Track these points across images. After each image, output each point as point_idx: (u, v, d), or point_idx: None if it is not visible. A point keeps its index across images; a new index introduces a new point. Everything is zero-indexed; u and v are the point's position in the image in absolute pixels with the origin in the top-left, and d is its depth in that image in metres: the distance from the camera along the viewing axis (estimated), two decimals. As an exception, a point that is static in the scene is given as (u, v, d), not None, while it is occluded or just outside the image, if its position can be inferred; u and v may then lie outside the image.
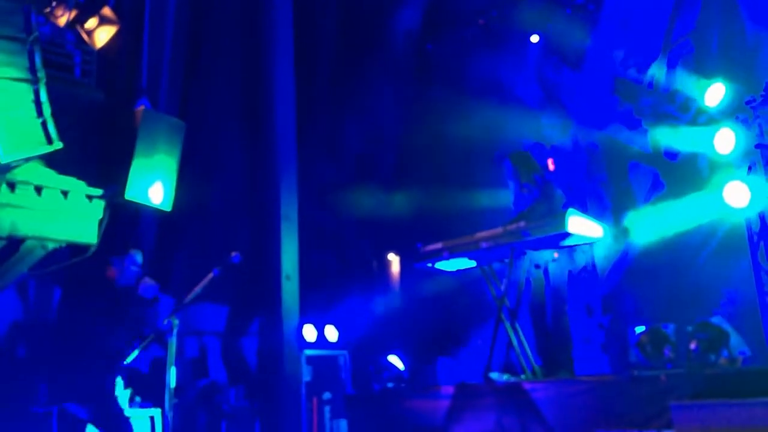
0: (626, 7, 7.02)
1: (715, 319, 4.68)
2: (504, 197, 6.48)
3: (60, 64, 6.19)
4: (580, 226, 5.29)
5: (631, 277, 6.74)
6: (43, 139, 5.29)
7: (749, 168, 5.86)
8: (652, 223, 6.55)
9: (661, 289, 6.28)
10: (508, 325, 5.55)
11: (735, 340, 4.88)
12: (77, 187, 6.03)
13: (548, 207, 5.41)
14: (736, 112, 5.89)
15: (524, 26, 7.62)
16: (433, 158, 7.94)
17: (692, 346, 4.40)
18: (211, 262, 6.23)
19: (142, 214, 7.15)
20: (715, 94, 5.95)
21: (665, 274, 6.35)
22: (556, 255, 5.57)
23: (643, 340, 4.85)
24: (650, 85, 6.64)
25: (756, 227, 5.78)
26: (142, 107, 6.23)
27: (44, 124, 5.27)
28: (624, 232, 6.63)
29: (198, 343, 8.28)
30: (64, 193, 5.97)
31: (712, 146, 5.87)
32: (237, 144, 7.69)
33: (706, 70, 6.18)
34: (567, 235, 5.26)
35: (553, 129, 7.32)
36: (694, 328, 4.45)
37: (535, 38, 7.76)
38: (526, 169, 5.72)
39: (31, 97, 5.23)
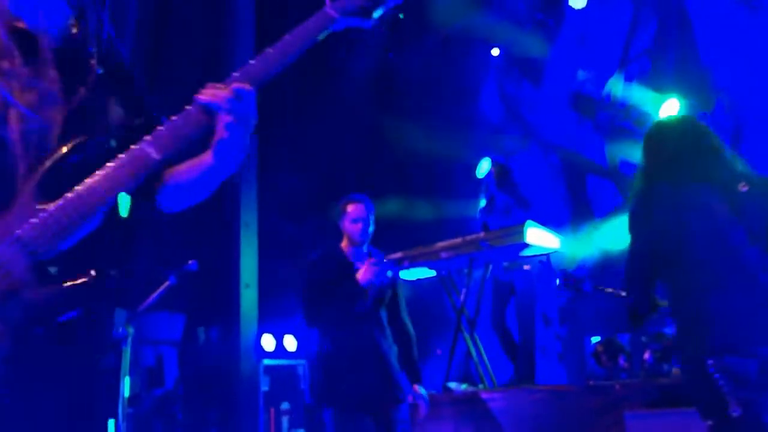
0: (584, 24, 7.16)
1: (669, 330, 4.78)
2: (465, 208, 6.54)
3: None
4: (539, 237, 5.38)
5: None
6: None
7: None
8: (609, 235, 6.66)
9: (618, 299, 6.38)
10: (467, 335, 5.59)
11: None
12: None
13: (524, 216, 5.52)
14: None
15: (486, 39, 7.71)
16: (396, 169, 7.97)
17: (646, 356, 4.48)
18: (168, 269, 6.14)
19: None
20: (669, 109, 6.11)
21: (622, 285, 6.45)
22: (526, 267, 5.66)
23: (598, 350, 4.92)
24: (608, 99, 6.77)
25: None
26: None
27: None
28: (582, 244, 6.73)
29: (154, 352, 8.13)
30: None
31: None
32: (197, 149, 7.61)
33: (661, 86, 6.33)
34: (525, 246, 5.34)
35: (514, 142, 7.41)
36: (648, 338, 4.53)
37: (495, 51, 7.87)
38: (505, 178, 5.84)
39: None
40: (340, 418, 3.51)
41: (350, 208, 3.84)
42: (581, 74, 7.24)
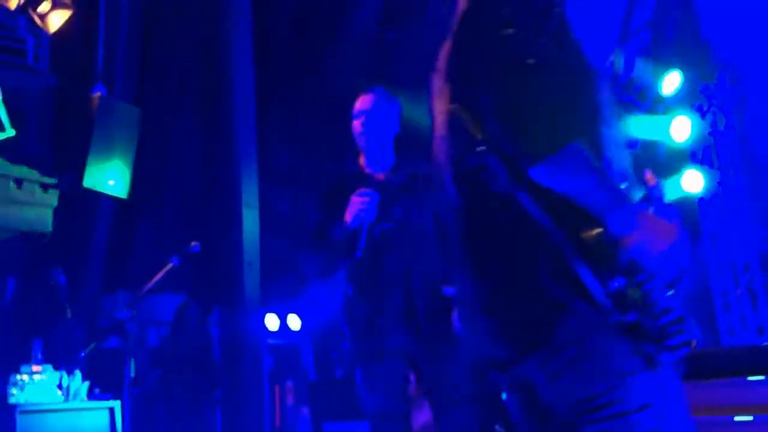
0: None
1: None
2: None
3: (12, 49, 6.00)
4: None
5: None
6: (-6, 126, 5.14)
7: (703, 155, 6.02)
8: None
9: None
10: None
11: (690, 323, 5.00)
12: (31, 175, 5.89)
13: None
14: (691, 100, 6.03)
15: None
16: (397, 147, 7.92)
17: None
18: (170, 250, 6.15)
19: (97, 202, 7.01)
20: (671, 82, 6.07)
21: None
22: None
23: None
24: (609, 74, 6.72)
25: (708, 212, 5.95)
26: (98, 94, 6.11)
27: (-5, 111, 5.13)
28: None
29: (157, 333, 8.17)
30: (18, 182, 5.82)
31: (670, 134, 5.99)
32: (195, 130, 7.58)
33: (662, 60, 6.28)
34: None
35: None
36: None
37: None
38: None
39: (-19, 83, 5.08)
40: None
41: (357, 103, 3.15)
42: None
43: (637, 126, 6.31)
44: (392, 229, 2.93)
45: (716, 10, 5.99)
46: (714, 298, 5.73)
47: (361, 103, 3.11)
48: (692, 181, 5.90)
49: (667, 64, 6.17)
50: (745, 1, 5.81)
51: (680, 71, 6.02)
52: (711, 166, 6.02)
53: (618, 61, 6.71)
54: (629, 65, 6.43)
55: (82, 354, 5.21)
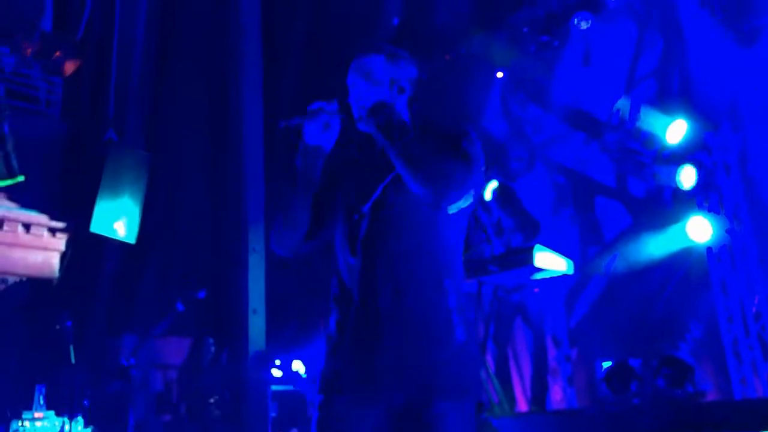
0: (589, 44, 7.16)
1: (681, 353, 4.73)
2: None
3: (25, 95, 6.12)
4: (547, 260, 5.36)
5: (598, 309, 6.80)
6: (4, 172, 5.20)
7: (710, 203, 6.01)
8: (618, 257, 6.63)
9: (628, 322, 6.35)
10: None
11: (700, 373, 4.94)
12: (39, 220, 5.94)
13: (524, 236, 5.51)
14: (697, 148, 6.04)
15: (490, 62, 7.71)
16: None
17: (658, 380, 4.44)
18: (176, 295, 6.13)
19: (105, 245, 7.02)
20: (676, 131, 6.09)
21: (631, 307, 6.43)
22: (536, 290, 5.65)
23: (609, 375, 4.88)
24: (615, 121, 6.76)
25: (718, 261, 5.90)
26: (108, 139, 6.17)
27: (6, 158, 5.19)
28: (591, 266, 6.70)
29: (163, 377, 8.11)
30: (26, 227, 5.87)
31: (676, 181, 6.00)
32: (204, 174, 7.63)
33: (668, 108, 6.32)
34: (534, 269, 5.32)
35: (520, 162, 7.40)
36: (660, 363, 4.49)
37: (500, 74, 7.86)
38: (510, 200, 5.84)
39: (-6, 129, 5.15)
40: None
41: None
42: (587, 95, 7.23)
43: (643, 173, 6.32)
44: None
45: (714, 59, 6.05)
46: (725, 347, 5.66)
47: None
48: (699, 229, 5.88)
49: (673, 112, 6.20)
50: (743, 52, 5.88)
51: (686, 119, 6.05)
52: (717, 213, 6.01)
53: (624, 108, 6.76)
54: (635, 113, 6.47)
55: (86, 402, 5.16)
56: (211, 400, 6.94)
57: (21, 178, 5.33)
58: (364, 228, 2.32)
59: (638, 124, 6.53)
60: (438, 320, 2.19)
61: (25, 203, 5.90)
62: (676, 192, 6.18)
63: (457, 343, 2.17)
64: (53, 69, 6.07)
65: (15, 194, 5.77)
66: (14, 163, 5.25)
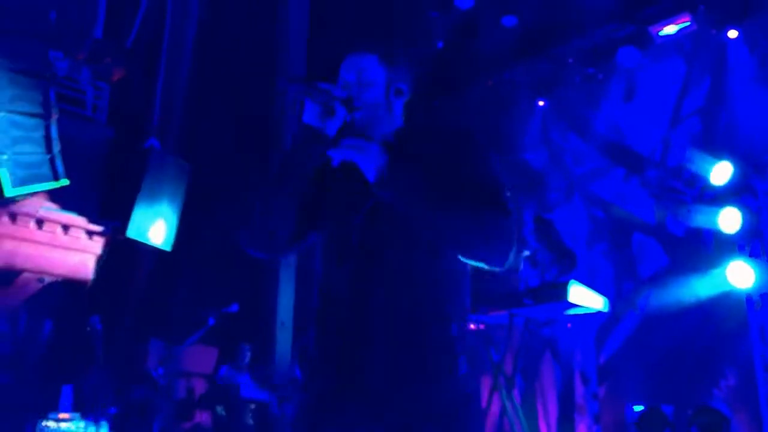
0: (634, 80, 7.10)
1: (716, 403, 4.62)
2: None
3: (73, 99, 6.22)
4: (582, 296, 5.27)
5: (629, 348, 6.68)
6: (50, 174, 5.29)
7: (751, 248, 5.88)
8: (653, 296, 6.52)
9: (660, 363, 6.22)
10: (504, 392, 5.48)
11: (734, 423, 4.82)
12: (78, 222, 6.01)
13: (560, 270, 5.43)
14: (741, 192, 5.93)
15: (532, 90, 7.68)
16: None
17: (692, 429, 4.33)
18: (206, 305, 6.15)
19: (140, 251, 7.09)
20: (721, 172, 5.98)
21: (664, 348, 6.30)
22: (569, 325, 5.57)
23: (641, 420, 4.78)
24: (657, 157, 6.68)
25: (758, 307, 5.77)
26: (150, 146, 6.25)
27: (52, 160, 5.27)
28: (624, 304, 6.60)
29: (186, 384, 8.14)
30: (65, 228, 5.94)
31: (717, 223, 5.88)
32: (241, 187, 7.68)
33: (713, 148, 6.22)
34: (569, 305, 5.24)
35: (558, 193, 7.33)
36: (695, 412, 4.39)
37: (541, 102, 7.83)
38: (547, 232, 5.77)
39: (42, 132, 5.24)
40: None
41: None
42: (629, 130, 7.16)
43: (684, 213, 6.22)
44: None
45: (761, 103, 5.96)
46: (760, 396, 5.52)
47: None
48: (740, 274, 5.76)
49: (717, 153, 6.10)
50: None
51: (731, 162, 5.95)
52: (759, 258, 5.88)
53: (667, 145, 6.68)
54: (679, 151, 6.39)
55: (113, 410, 5.19)
56: (252, 406, 6.89)
57: (65, 182, 5.41)
58: (357, 236, 2.06)
59: (681, 162, 6.44)
60: (439, 348, 1.99)
61: (66, 205, 5.98)
62: (717, 234, 6.06)
63: (458, 375, 1.98)
64: (102, 75, 6.17)
65: (56, 195, 5.85)
66: (60, 166, 5.34)
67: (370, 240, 2.05)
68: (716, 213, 5.89)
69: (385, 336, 1.97)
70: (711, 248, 6.14)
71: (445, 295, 2.04)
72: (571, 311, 5.36)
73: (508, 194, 2.03)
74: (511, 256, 1.96)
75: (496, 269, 1.98)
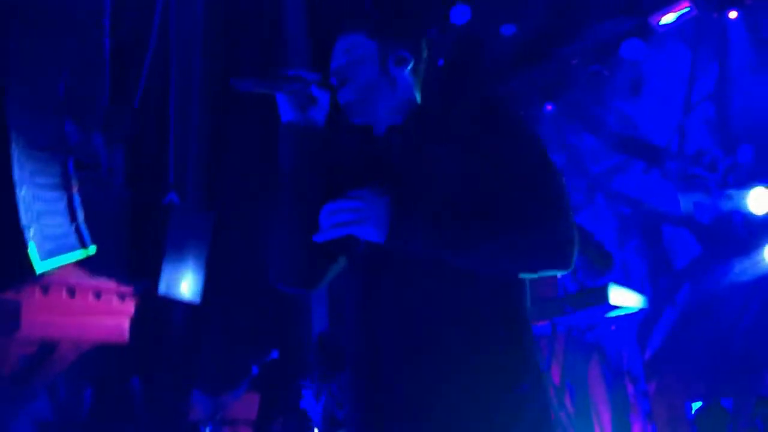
0: (641, 71, 7.06)
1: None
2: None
3: (89, 165, 6.25)
4: (622, 297, 5.22)
5: (673, 342, 6.60)
6: (77, 243, 5.30)
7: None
8: (690, 287, 6.45)
9: (705, 354, 6.14)
10: (555, 403, 5.42)
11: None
12: (109, 286, 6.03)
13: (597, 271, 5.39)
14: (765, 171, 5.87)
15: (540, 95, 7.66)
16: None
17: (757, 421, 4.25)
18: (245, 350, 6.12)
19: (172, 306, 7.10)
20: (743, 154, 5.94)
21: (708, 339, 6.22)
22: (613, 328, 5.52)
23: (701, 417, 4.70)
24: (674, 147, 6.63)
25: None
26: (170, 202, 6.27)
27: (78, 229, 5.30)
28: (662, 299, 6.52)
29: (231, 432, 8.09)
30: (97, 294, 5.96)
31: (746, 205, 5.82)
32: (265, 230, 7.69)
33: (729, 130, 6.18)
34: (609, 307, 5.19)
35: (579, 193, 7.28)
36: (756, 403, 4.31)
37: (549, 107, 7.79)
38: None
39: (65, 202, 5.27)
40: None
41: None
42: (643, 122, 7.12)
43: (710, 198, 6.16)
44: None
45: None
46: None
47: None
48: (778, 255, 5.69)
49: (735, 135, 6.05)
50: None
51: (750, 141, 5.90)
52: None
53: (682, 133, 6.64)
54: (695, 138, 6.35)
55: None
56: None
57: (92, 249, 5.42)
58: (380, 255, 1.70)
59: (699, 148, 6.40)
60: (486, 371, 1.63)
61: (95, 270, 6.00)
62: (747, 217, 5.99)
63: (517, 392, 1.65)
64: (114, 137, 6.21)
65: (84, 262, 5.87)
66: (85, 234, 5.36)
67: (378, 250, 1.68)
68: (744, 195, 5.83)
69: (403, 374, 1.62)
70: (743, 232, 6.07)
71: (486, 307, 1.69)
72: (613, 313, 5.31)
73: (562, 181, 1.70)
74: (574, 256, 1.65)
75: (564, 272, 1.73)
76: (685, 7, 6.47)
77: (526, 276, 1.74)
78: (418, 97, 1.94)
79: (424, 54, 1.97)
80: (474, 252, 1.62)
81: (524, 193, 1.64)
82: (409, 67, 1.91)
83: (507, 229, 1.63)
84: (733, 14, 6.25)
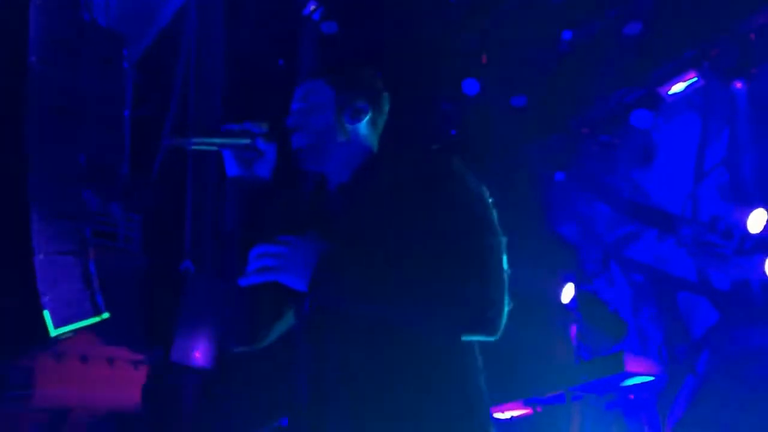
0: (652, 140, 7.12)
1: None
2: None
3: (105, 233, 6.39)
4: (638, 365, 5.16)
5: (695, 411, 6.41)
6: (91, 310, 5.36)
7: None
8: (709, 355, 6.31)
9: (730, 424, 5.96)
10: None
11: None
12: (122, 353, 6.05)
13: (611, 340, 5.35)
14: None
15: (550, 164, 7.73)
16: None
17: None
18: (257, 416, 6.06)
19: (184, 374, 7.07)
20: (757, 220, 5.90)
21: (731, 407, 6.05)
22: (631, 396, 5.44)
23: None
24: (688, 214, 6.62)
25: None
26: (185, 269, 6.35)
27: (92, 296, 5.37)
28: (681, 368, 6.39)
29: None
30: (110, 361, 5.98)
31: (763, 273, 5.75)
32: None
33: (744, 196, 6.16)
34: (626, 375, 5.12)
35: (594, 264, 7.25)
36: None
37: (559, 176, 7.83)
38: (591, 304, 5.72)
39: (81, 269, 5.36)
40: None
41: None
42: (655, 190, 7.13)
43: (726, 266, 6.10)
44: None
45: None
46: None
47: None
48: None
49: (750, 201, 6.03)
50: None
51: (765, 210, 5.86)
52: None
53: (696, 200, 6.63)
54: (709, 204, 6.33)
55: None
56: None
57: (106, 315, 5.48)
58: (326, 313, 1.72)
59: (713, 215, 6.37)
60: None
61: (108, 337, 6.04)
62: (765, 282, 5.91)
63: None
64: (132, 207, 6.35)
65: (98, 329, 5.91)
66: (100, 301, 5.43)
67: (323, 307, 1.72)
68: (759, 262, 5.77)
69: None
70: (760, 297, 5.98)
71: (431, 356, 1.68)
72: (629, 381, 5.23)
73: (498, 243, 1.68)
74: (500, 319, 1.62)
75: (489, 339, 1.67)
76: (693, 78, 6.59)
77: (450, 336, 1.70)
78: (375, 147, 1.95)
79: (385, 107, 1.99)
80: (392, 305, 1.62)
81: (451, 252, 1.62)
82: (365, 119, 1.92)
83: (424, 286, 1.60)
84: (738, 84, 6.34)
